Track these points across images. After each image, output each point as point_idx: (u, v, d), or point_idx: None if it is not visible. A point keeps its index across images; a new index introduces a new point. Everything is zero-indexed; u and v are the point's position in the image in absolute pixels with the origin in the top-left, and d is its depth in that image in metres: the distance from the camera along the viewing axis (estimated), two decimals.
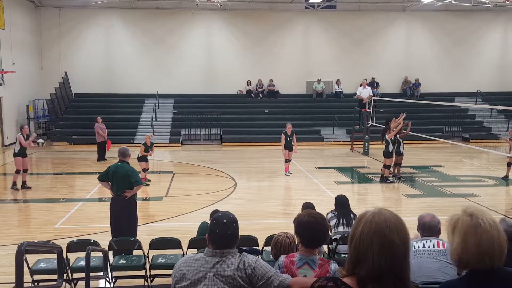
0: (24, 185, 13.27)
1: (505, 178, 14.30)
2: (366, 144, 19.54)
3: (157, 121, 24.30)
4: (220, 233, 3.06)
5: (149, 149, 13.95)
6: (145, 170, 14.01)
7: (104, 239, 7.10)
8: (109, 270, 6.23)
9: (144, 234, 8.13)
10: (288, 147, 15.17)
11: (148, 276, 6.30)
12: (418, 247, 4.25)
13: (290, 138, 15.16)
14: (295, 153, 15.35)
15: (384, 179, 14.12)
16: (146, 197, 12.33)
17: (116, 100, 25.64)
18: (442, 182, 14.46)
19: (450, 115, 24.87)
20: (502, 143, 17.40)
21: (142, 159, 13.93)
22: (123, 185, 7.58)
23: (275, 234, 4.27)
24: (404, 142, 14.97)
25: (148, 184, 13.72)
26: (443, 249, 4.10)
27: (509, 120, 24.71)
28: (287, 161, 15.27)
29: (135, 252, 6.67)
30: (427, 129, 20.93)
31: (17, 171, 13.12)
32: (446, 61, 27.75)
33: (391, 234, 1.98)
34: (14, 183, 13.17)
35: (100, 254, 6.23)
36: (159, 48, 26.35)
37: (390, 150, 14.02)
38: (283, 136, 15.18)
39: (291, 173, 15.18)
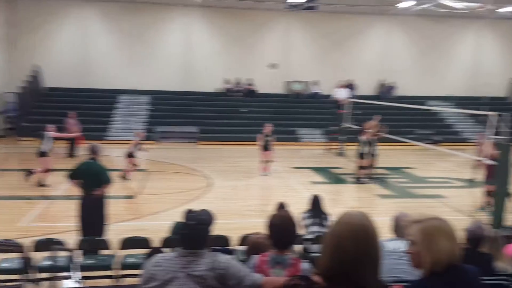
0: None
1: (471, 180, 14.63)
2: (342, 145, 19.70)
3: (132, 117, 23.96)
4: (187, 234, 3.05)
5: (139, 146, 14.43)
6: (133, 166, 14.22)
7: (72, 238, 6.95)
8: (76, 270, 6.10)
9: (114, 233, 7.98)
10: (267, 147, 15.13)
11: (118, 276, 6.19)
12: (391, 248, 4.34)
13: (269, 139, 15.16)
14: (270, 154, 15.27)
15: (359, 180, 14.26)
16: (117, 195, 12.10)
17: (90, 95, 25.10)
18: (413, 183, 14.70)
19: (423, 118, 25.27)
20: (470, 146, 17.77)
21: (132, 155, 14.17)
22: (93, 183, 7.43)
23: (249, 234, 4.26)
24: (378, 144, 15.13)
25: (129, 179, 13.86)
26: None
27: (477, 124, 25.24)
28: (268, 161, 15.20)
29: (104, 251, 6.55)
30: (400, 131, 21.16)
31: None
32: (421, 65, 28.19)
33: (346, 240, 2.05)
34: None
35: (67, 253, 6.11)
36: (135, 43, 25.98)
37: (365, 152, 14.17)
38: (261, 137, 15.15)
39: (268, 174, 15.12)
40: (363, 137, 14.21)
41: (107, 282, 6.30)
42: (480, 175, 14.38)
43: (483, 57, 28.67)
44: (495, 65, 28.29)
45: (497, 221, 8.09)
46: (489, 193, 10.68)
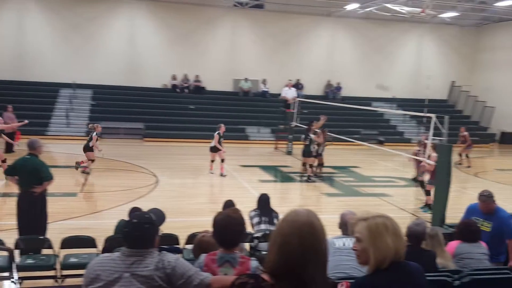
0: None
1: (414, 179, 15.17)
2: (290, 143, 19.90)
3: (73, 112, 23.18)
4: (129, 233, 2.98)
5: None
6: (92, 160, 14.05)
7: (10, 237, 6.59)
8: (14, 270, 5.83)
9: (56, 232, 7.65)
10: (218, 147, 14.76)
11: (59, 277, 5.96)
12: (339, 245, 4.42)
13: (222, 139, 14.86)
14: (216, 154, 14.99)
15: (308, 178, 14.44)
16: (58, 193, 11.63)
17: (28, 88, 24.00)
18: (359, 182, 15.06)
19: (368, 118, 25.97)
20: (413, 146, 18.39)
21: (91, 149, 13.92)
22: (31, 180, 7.09)
23: (197, 233, 4.19)
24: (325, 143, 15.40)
25: (88, 173, 13.70)
26: None
27: (419, 125, 26.23)
28: (223, 160, 14.83)
29: (45, 251, 6.28)
30: (346, 131, 21.67)
31: None
32: (365, 67, 28.95)
33: (291, 237, 2.05)
34: None
35: (5, 253, 5.83)
36: (77, 36, 25.10)
37: (312, 150, 14.38)
38: (217, 137, 14.74)
39: (214, 173, 14.97)
40: (313, 137, 14.39)
41: (48, 282, 6.06)
42: (416, 173, 15.03)
43: (425, 61, 29.89)
44: (436, 69, 29.55)
45: (439, 219, 8.38)
46: (427, 193, 11.24)
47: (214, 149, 14.84)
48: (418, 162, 13.35)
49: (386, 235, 2.40)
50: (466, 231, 5.26)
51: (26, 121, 14.70)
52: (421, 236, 4.68)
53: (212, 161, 14.99)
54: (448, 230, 6.66)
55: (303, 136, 15.23)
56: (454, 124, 23.71)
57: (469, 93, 29.44)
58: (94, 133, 13.97)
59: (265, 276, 2.08)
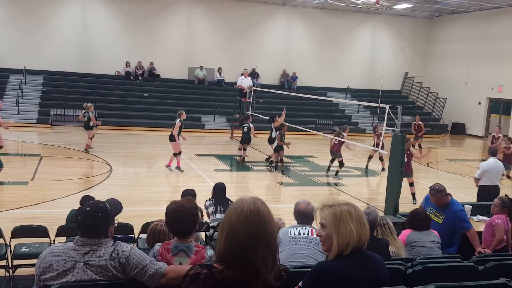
0: None
1: (367, 169, 15.58)
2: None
3: (23, 99, 22.39)
4: (82, 221, 2.96)
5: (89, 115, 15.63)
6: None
7: None
8: None
9: (6, 221, 7.46)
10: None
11: (10, 267, 5.83)
12: (294, 233, 4.46)
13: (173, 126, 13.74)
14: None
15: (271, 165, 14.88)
16: (8, 181, 11.30)
17: None
18: (314, 171, 15.29)
19: (323, 108, 26.34)
20: (368, 136, 18.89)
21: (90, 127, 15.69)
22: None
23: (151, 222, 4.19)
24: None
25: (88, 151, 15.39)
26: (316, 237, 4.32)
27: (373, 115, 26.83)
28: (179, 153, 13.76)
29: None
30: (301, 121, 21.93)
31: None
32: (320, 57, 29.27)
33: (238, 225, 2.11)
34: None
35: None
36: (28, 20, 24.21)
37: (273, 137, 14.59)
38: (178, 125, 13.64)
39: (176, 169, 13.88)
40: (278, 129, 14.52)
41: None
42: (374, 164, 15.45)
43: (379, 52, 30.48)
44: (390, 60, 30.16)
45: (392, 208, 8.60)
46: (411, 184, 11.53)
47: (173, 138, 13.66)
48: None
49: (350, 221, 2.46)
50: (415, 219, 5.40)
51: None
52: (373, 225, 4.76)
53: (179, 153, 13.71)
54: (401, 219, 6.85)
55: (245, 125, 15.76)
56: (407, 115, 24.61)
57: (421, 84, 30.22)
58: (90, 113, 15.73)
59: (217, 265, 2.12)
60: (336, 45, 29.56)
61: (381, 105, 11.51)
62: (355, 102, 26.10)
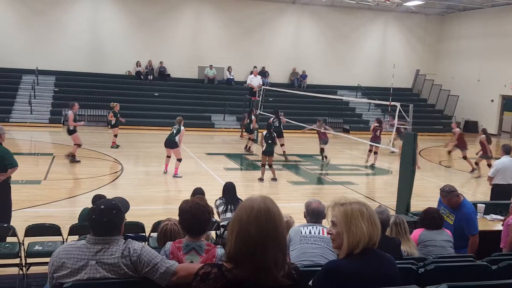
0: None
1: (373, 166, 15.59)
2: (255, 131, 19.93)
3: (36, 99, 22.61)
4: (96, 219, 2.97)
5: (118, 115, 16.70)
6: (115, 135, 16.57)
7: None
8: None
9: (20, 220, 7.54)
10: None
11: (23, 265, 5.90)
12: (305, 232, 4.45)
13: (174, 132, 12.95)
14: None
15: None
16: (21, 181, 11.42)
17: None
18: (324, 170, 15.25)
19: (333, 107, 26.25)
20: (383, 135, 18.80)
21: (114, 125, 16.68)
22: None
23: (162, 220, 4.21)
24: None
25: (118, 147, 16.51)
26: (327, 236, 4.31)
27: (385, 114, 26.67)
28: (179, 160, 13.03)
29: (9, 239, 6.19)
30: (311, 119, 21.86)
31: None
32: (330, 55, 29.17)
33: (248, 224, 2.12)
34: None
35: None
36: (40, 21, 24.44)
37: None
38: (184, 132, 13.08)
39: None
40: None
41: (13, 270, 5.97)
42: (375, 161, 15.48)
43: (390, 49, 30.26)
44: (401, 57, 29.84)
45: (403, 207, 8.53)
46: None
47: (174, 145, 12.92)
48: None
49: (361, 220, 2.45)
50: (427, 218, 5.32)
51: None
52: (385, 224, 4.71)
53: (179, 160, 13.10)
54: (413, 218, 6.80)
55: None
56: (418, 113, 24.42)
57: (433, 82, 29.93)
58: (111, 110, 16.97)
59: (227, 265, 2.13)
60: (346, 43, 29.43)
61: (392, 103, 11.45)
62: (366, 100, 25.95)
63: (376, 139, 15.44)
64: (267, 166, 12.78)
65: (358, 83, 28.84)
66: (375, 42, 30.25)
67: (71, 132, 13.99)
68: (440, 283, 3.00)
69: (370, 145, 15.50)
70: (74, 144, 14.03)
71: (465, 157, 15.46)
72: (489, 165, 14.35)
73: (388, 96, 23.71)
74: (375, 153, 15.65)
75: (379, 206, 5.30)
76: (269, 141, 12.68)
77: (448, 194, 5.97)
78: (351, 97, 26.78)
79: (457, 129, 16.27)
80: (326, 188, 12.78)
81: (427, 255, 4.93)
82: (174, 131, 12.90)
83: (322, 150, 15.88)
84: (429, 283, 3.25)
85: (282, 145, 16.15)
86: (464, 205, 6.01)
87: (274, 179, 12.90)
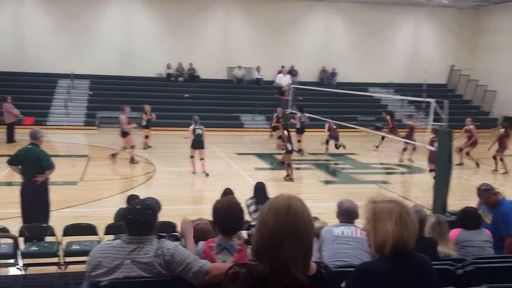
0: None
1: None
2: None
3: (72, 102, 23.17)
4: (133, 219, 3.03)
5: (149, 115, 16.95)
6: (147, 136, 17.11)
7: (15, 225, 6.70)
8: (19, 257, 5.93)
9: (58, 220, 7.74)
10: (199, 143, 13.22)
11: (62, 263, 6.05)
12: (338, 233, 4.38)
13: (200, 132, 13.20)
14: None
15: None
16: (59, 182, 11.71)
17: (27, 79, 24.04)
18: (356, 169, 15.09)
19: (364, 104, 25.94)
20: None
21: (144, 127, 16.92)
22: (34, 169, 7.19)
23: (193, 220, 4.26)
24: (315, 130, 15.92)
25: (150, 147, 17.02)
26: (360, 237, 4.26)
27: (418, 111, 26.18)
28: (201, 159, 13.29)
29: (48, 238, 6.38)
30: (342, 117, 21.65)
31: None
32: (361, 52, 28.76)
33: (268, 217, 2.12)
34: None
35: (10, 240, 5.93)
36: (74, 26, 25.00)
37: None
38: (190, 130, 13.23)
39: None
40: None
41: (51, 269, 6.14)
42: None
43: (422, 45, 29.59)
44: (434, 53, 29.19)
45: (440, 206, 8.37)
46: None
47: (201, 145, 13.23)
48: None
49: (388, 220, 2.40)
50: (465, 218, 5.18)
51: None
52: (421, 224, 4.58)
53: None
54: (450, 218, 6.63)
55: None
56: (454, 109, 23.88)
57: (469, 77, 29.15)
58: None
59: (260, 267, 2.12)
60: (377, 39, 28.95)
61: (427, 99, 11.23)
62: (398, 97, 25.47)
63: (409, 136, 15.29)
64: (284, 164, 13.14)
65: (390, 80, 28.39)
66: (407, 38, 29.69)
67: (124, 134, 14.40)
68: (480, 285, 2.92)
69: (406, 143, 15.20)
70: (123, 146, 14.50)
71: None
72: (501, 159, 14.35)
73: (422, 92, 23.28)
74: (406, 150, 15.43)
75: (414, 206, 5.20)
76: (291, 141, 13.10)
77: (485, 193, 5.80)
78: (383, 94, 26.37)
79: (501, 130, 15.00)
80: (358, 187, 12.63)
81: (465, 256, 4.75)
82: (200, 132, 13.10)
83: (336, 146, 16.94)
84: (468, 284, 3.17)
85: (299, 141, 16.78)
86: (502, 203, 5.81)
87: (291, 178, 12.99)
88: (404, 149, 15.64)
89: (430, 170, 12.16)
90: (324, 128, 17.75)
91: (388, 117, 18.51)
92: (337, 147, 17.02)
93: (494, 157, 14.55)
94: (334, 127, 16.91)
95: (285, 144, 13.07)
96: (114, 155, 14.56)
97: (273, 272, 2.09)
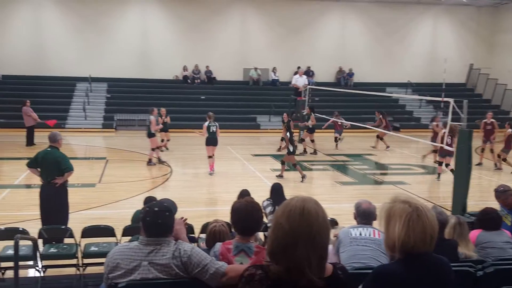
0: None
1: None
2: (301, 131, 19.84)
3: (90, 105, 23.44)
4: (151, 221, 3.04)
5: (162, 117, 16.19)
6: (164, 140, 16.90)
7: (34, 227, 6.79)
8: (39, 259, 5.99)
9: (76, 222, 7.82)
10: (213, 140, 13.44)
11: (80, 265, 6.11)
12: (355, 234, 4.34)
13: (214, 130, 13.35)
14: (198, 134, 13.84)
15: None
16: (77, 184, 11.84)
17: (46, 83, 24.44)
18: (374, 170, 14.98)
19: (382, 105, 25.70)
20: (430, 132, 18.26)
21: (161, 130, 16.16)
22: (53, 171, 7.28)
23: (210, 222, 4.25)
24: (331, 131, 17.01)
25: (167, 149, 17.00)
26: (378, 238, 4.22)
27: (437, 110, 25.90)
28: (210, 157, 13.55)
29: (67, 240, 6.45)
30: (359, 118, 21.52)
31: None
32: (378, 52, 28.56)
33: (282, 218, 2.11)
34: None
35: (29, 242, 5.99)
36: (91, 30, 25.30)
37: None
38: (205, 127, 13.35)
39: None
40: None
41: (70, 270, 6.21)
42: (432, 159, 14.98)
43: (441, 44, 29.23)
44: (453, 51, 28.81)
45: (460, 207, 8.25)
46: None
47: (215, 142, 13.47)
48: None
49: (397, 221, 2.34)
50: (485, 219, 5.08)
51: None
52: (442, 225, 4.50)
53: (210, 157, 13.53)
54: (470, 219, 6.53)
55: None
56: (473, 109, 23.57)
57: (488, 76, 28.71)
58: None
59: (275, 268, 2.11)
60: (394, 39, 28.71)
61: (445, 99, 11.08)
62: (417, 96, 25.21)
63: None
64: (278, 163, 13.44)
65: (408, 80, 28.13)
66: (425, 37, 29.35)
67: (151, 135, 14.49)
68: (500, 287, 2.87)
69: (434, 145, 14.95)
70: (151, 149, 14.59)
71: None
72: (504, 160, 14.39)
73: (440, 92, 23.01)
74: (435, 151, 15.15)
75: (433, 207, 5.12)
76: (293, 142, 13.19)
77: (502, 194, 5.73)
78: (401, 94, 26.13)
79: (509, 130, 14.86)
80: (377, 188, 12.53)
81: (485, 257, 4.68)
82: (214, 129, 13.27)
83: (336, 138, 18.34)
84: (488, 286, 3.12)
85: (312, 141, 17.34)
86: None
87: (281, 176, 13.09)
88: (434, 151, 15.34)
89: (439, 163, 13.16)
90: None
91: (380, 116, 18.56)
92: (336, 140, 18.32)
93: (499, 156, 14.69)
94: (339, 123, 18.11)
95: (287, 145, 13.08)
96: (150, 161, 14.62)
97: (287, 273, 2.07)
